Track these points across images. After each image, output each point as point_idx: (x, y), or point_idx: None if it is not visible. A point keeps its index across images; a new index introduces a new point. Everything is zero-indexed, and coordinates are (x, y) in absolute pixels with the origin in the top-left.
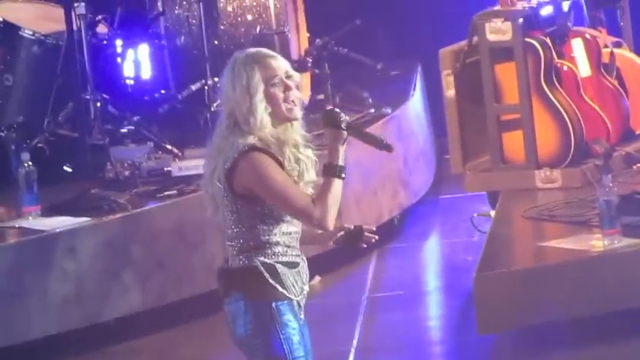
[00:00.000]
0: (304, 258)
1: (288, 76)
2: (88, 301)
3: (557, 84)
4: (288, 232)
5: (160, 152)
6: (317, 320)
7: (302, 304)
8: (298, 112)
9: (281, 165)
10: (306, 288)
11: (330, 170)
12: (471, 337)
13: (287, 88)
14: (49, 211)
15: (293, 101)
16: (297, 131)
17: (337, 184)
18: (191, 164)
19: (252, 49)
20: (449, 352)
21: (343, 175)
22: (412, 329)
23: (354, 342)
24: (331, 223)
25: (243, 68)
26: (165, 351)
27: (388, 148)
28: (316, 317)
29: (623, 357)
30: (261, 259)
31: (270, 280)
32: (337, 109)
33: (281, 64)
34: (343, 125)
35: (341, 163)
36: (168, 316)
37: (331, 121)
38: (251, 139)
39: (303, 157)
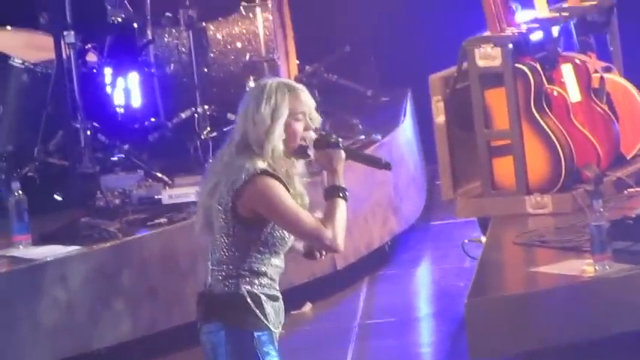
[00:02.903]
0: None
1: (311, 117)
2: (78, 330)
3: (547, 109)
4: (276, 265)
5: (150, 180)
6: (308, 347)
7: (277, 339)
8: (310, 152)
9: (288, 191)
10: (282, 322)
11: (333, 192)
12: None
13: (307, 128)
14: (40, 240)
15: (306, 140)
16: (298, 167)
17: (342, 205)
18: (181, 192)
19: (285, 79)
20: None
21: (347, 196)
22: (404, 356)
23: None
24: (342, 244)
25: (274, 93)
26: None
27: (387, 166)
28: (307, 344)
29: None
30: (248, 287)
31: (254, 309)
32: (330, 133)
33: (310, 102)
34: (340, 145)
35: (343, 184)
36: (159, 344)
37: (328, 142)
38: (261, 164)
39: (300, 192)
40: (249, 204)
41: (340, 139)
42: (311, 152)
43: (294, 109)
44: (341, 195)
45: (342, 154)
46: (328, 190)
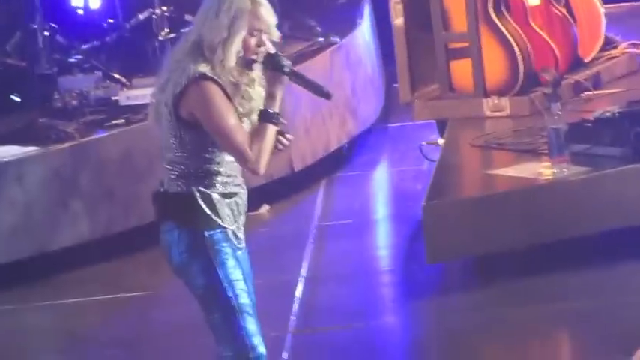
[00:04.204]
0: (245, 188)
1: (269, 34)
2: (36, 230)
3: (505, 12)
4: (230, 161)
5: (108, 81)
6: (265, 249)
7: (239, 235)
8: (257, 66)
9: (228, 98)
10: (243, 218)
11: (266, 116)
12: (420, 266)
13: (260, 44)
14: None
15: (258, 55)
16: (255, 72)
17: (272, 131)
18: (139, 93)
19: None
20: (398, 281)
21: (280, 122)
22: (361, 258)
23: (303, 271)
24: (263, 168)
25: (234, 4)
26: (114, 280)
27: (328, 95)
28: (265, 246)
29: (568, 285)
30: (199, 187)
31: (205, 209)
32: (280, 54)
33: (269, 19)
34: (286, 70)
35: (277, 110)
36: (117, 245)
37: (274, 65)
38: (203, 67)
39: (256, 96)
40: (187, 107)
41: (287, 63)
42: (256, 68)
43: (252, 26)
44: (272, 120)
45: (285, 79)
46: (263, 113)
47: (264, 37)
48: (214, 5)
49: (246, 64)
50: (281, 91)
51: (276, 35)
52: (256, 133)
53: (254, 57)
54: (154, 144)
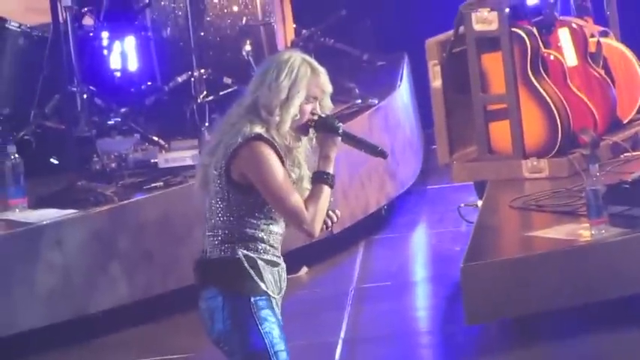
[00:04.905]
0: (284, 264)
1: (322, 104)
2: (75, 294)
3: (543, 74)
4: (274, 232)
5: (147, 144)
6: (304, 311)
7: (279, 305)
8: (310, 131)
9: (282, 161)
10: (284, 290)
11: (321, 178)
12: (459, 328)
13: (315, 111)
14: (36, 204)
15: (311, 121)
16: (303, 144)
17: (327, 192)
18: (177, 156)
19: (309, 58)
20: (437, 342)
21: (333, 183)
22: (400, 320)
23: (342, 333)
24: (318, 229)
25: (297, 67)
26: (153, 343)
27: (383, 154)
28: (304, 308)
29: (611, 346)
30: (244, 251)
31: (251, 272)
32: (333, 115)
33: (327, 87)
34: (340, 131)
35: (332, 171)
36: (156, 308)
37: (327, 127)
38: (259, 129)
39: (304, 168)
40: (240, 168)
41: (340, 124)
42: (311, 132)
43: (310, 92)
44: (328, 182)
45: (338, 140)
46: (316, 174)
47: (318, 106)
48: (275, 68)
49: (300, 129)
50: (334, 152)
51: (329, 105)
52: (311, 195)
53: (309, 123)
54: (192, 207)
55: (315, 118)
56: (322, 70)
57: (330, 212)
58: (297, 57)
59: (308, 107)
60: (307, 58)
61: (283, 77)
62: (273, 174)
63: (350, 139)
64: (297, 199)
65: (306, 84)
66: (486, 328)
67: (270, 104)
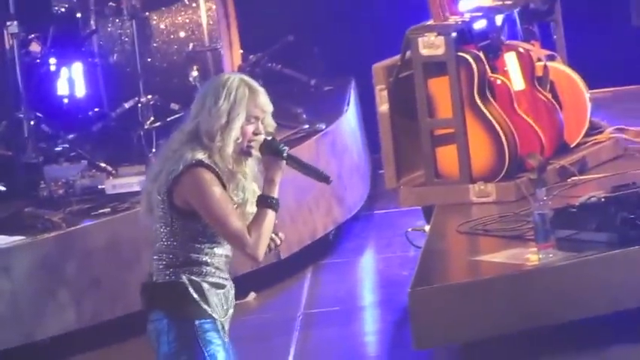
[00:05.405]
0: (232, 284)
1: (265, 123)
2: (23, 320)
3: (490, 98)
4: (219, 255)
5: (94, 170)
6: (252, 337)
7: (226, 327)
8: (255, 152)
9: (224, 186)
10: (231, 311)
11: (265, 202)
12: (407, 353)
13: (257, 131)
14: None
15: (255, 142)
16: (249, 165)
17: (271, 216)
18: (125, 182)
19: (247, 78)
20: None
21: (277, 207)
22: (348, 345)
23: (290, 358)
24: (262, 253)
25: (235, 89)
26: None
27: (327, 179)
28: (251, 334)
29: None
30: (189, 275)
31: (195, 296)
32: (278, 139)
33: (267, 107)
34: (284, 155)
35: (276, 195)
36: (104, 334)
37: (271, 150)
38: (200, 155)
39: (249, 189)
40: (183, 194)
41: (285, 148)
42: (254, 152)
43: (250, 112)
44: (272, 206)
45: (283, 164)
46: (260, 198)
47: (260, 126)
48: (213, 92)
49: (243, 151)
50: (279, 176)
51: (271, 124)
52: (255, 219)
53: (251, 144)
54: (140, 232)
55: (257, 143)
56: (261, 90)
57: (274, 235)
58: (234, 78)
59: (250, 128)
60: (245, 78)
61: (222, 101)
62: (215, 200)
63: (295, 162)
64: (238, 224)
65: (246, 105)
66: (434, 352)
67: (211, 130)
